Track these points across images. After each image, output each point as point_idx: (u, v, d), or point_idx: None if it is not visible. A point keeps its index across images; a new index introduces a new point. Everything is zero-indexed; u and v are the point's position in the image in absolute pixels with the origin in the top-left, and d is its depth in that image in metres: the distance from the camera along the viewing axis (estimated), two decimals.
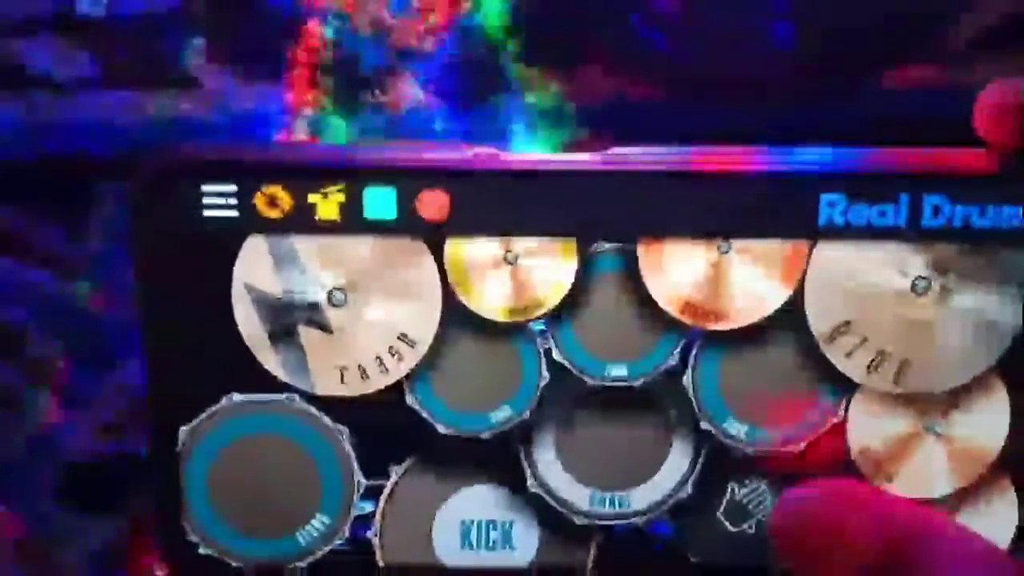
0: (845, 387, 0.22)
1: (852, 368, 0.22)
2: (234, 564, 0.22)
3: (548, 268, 0.21)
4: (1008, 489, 0.22)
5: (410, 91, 0.30)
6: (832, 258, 0.21)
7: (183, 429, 0.22)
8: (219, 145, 0.21)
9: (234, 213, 0.21)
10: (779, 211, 0.21)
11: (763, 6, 0.28)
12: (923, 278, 0.21)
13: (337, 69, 0.30)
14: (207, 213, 0.21)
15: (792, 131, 0.29)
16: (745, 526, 0.23)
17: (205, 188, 0.21)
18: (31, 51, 0.32)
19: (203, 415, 0.22)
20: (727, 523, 0.22)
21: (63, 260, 0.28)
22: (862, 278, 0.21)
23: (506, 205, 0.21)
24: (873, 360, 0.21)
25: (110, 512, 0.33)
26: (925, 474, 0.22)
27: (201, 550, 0.22)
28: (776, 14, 0.27)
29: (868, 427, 0.22)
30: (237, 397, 0.22)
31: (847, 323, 0.21)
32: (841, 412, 0.22)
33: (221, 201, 0.21)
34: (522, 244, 0.21)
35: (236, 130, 0.30)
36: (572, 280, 0.21)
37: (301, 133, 0.31)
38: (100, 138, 0.31)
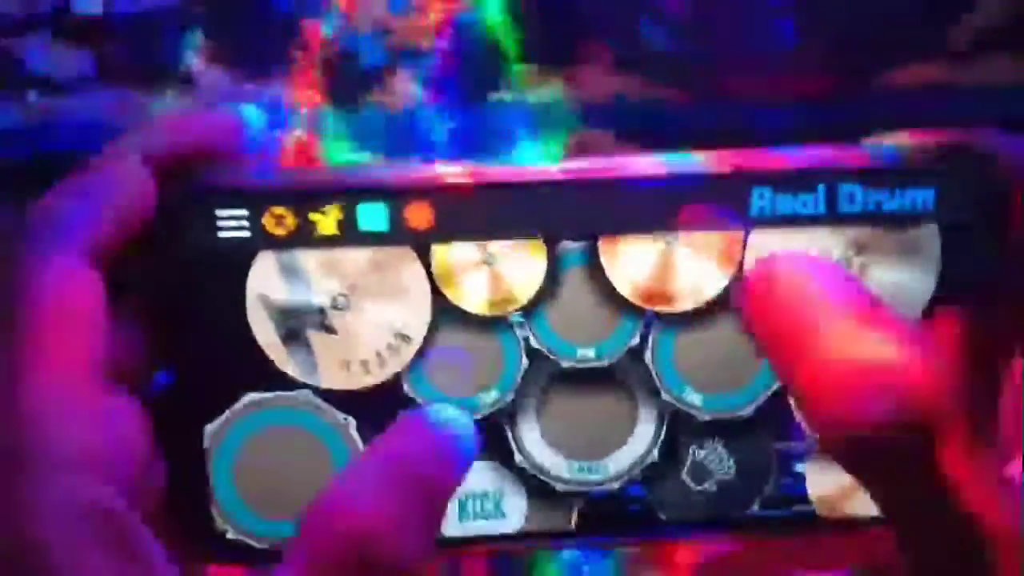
0: None
1: None
2: (258, 546, 0.25)
3: (521, 267, 0.25)
4: None
5: (409, 90, 0.31)
6: (764, 245, 0.24)
7: (208, 428, 0.25)
8: (230, 173, 0.24)
9: (246, 233, 0.24)
10: (716, 206, 0.24)
11: (765, 5, 0.30)
12: (843, 259, 0.24)
13: (336, 68, 0.31)
14: (221, 235, 0.24)
15: (794, 130, 0.29)
16: (707, 485, 0.26)
17: (219, 213, 0.24)
18: (29, 50, 0.33)
19: (226, 413, 0.25)
20: (691, 482, 0.26)
21: None
22: None
23: (482, 214, 0.24)
24: None
25: None
26: None
27: (229, 535, 0.25)
28: (778, 13, 0.28)
29: None
30: (255, 396, 0.25)
31: None
32: None
33: (234, 224, 0.24)
34: (498, 247, 0.24)
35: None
36: (543, 276, 0.25)
37: (299, 131, 0.32)
38: (98, 137, 0.31)
